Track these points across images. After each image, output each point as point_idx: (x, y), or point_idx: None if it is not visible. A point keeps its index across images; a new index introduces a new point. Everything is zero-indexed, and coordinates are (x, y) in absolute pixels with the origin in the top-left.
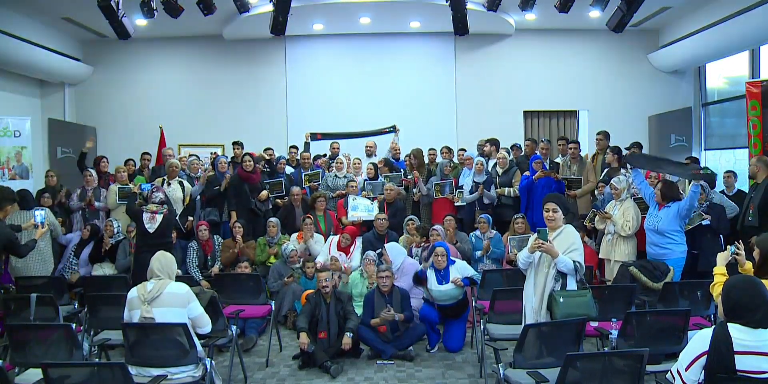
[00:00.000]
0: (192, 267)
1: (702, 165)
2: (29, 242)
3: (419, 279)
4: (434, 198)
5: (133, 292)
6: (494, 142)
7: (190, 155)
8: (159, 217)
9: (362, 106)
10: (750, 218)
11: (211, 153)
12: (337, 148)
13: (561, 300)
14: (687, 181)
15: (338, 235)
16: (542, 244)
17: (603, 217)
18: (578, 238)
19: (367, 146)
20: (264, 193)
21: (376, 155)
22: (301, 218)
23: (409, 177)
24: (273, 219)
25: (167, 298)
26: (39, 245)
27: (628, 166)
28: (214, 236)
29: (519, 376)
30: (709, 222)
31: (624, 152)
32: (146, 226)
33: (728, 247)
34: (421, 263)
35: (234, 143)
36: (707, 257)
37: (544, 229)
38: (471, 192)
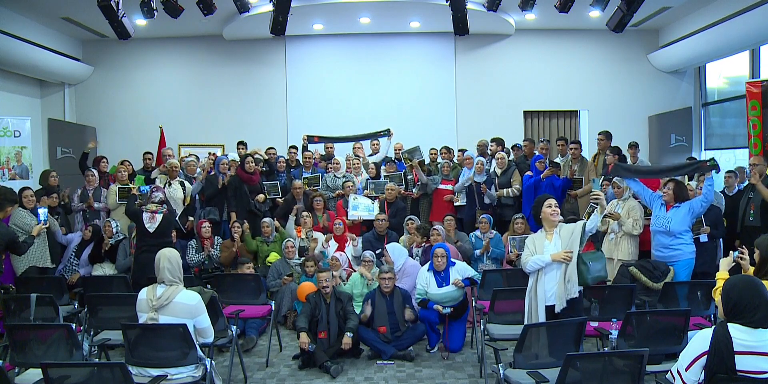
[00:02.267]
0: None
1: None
2: (27, 239)
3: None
4: (405, 166)
5: (143, 294)
6: (500, 142)
7: (189, 155)
8: (159, 217)
9: (362, 105)
10: (751, 218)
11: (209, 153)
12: (332, 148)
13: (590, 264)
14: (688, 177)
15: (331, 233)
16: (599, 195)
17: (613, 218)
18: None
19: (354, 148)
20: (261, 196)
21: (371, 155)
22: (301, 213)
23: (409, 178)
24: (266, 219)
25: (177, 307)
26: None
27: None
28: (215, 237)
29: (519, 376)
30: (706, 239)
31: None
32: (146, 226)
33: (731, 252)
34: (421, 264)
35: (239, 143)
36: (704, 258)
37: (597, 180)
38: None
